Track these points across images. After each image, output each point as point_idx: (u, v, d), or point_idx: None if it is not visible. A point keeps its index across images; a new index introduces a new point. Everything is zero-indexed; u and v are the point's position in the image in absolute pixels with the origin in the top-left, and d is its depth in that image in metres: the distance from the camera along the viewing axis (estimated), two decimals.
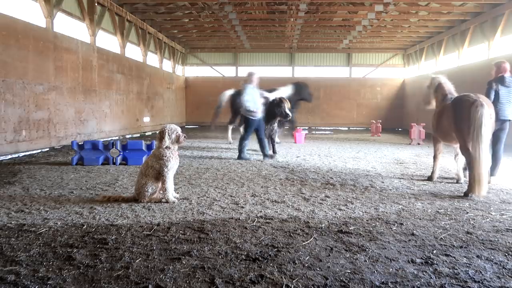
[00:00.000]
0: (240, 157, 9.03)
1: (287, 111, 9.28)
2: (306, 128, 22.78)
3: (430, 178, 6.65)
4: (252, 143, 13.22)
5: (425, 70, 22.16)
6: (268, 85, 24.16)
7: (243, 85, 8.75)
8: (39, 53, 10.04)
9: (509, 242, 3.51)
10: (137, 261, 2.99)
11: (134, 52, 17.67)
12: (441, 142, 6.55)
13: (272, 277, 2.74)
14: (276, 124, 9.88)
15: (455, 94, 6.30)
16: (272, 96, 11.20)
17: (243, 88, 8.81)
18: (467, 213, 4.55)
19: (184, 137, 4.94)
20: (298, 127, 14.84)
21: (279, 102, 9.40)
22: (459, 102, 5.67)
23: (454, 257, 3.15)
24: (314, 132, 21.95)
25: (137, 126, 17.06)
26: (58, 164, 7.99)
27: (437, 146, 6.60)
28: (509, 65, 6.65)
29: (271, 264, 2.96)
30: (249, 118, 8.75)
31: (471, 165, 5.40)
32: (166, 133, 4.80)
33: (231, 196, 5.30)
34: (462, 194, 5.52)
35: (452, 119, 5.73)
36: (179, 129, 4.95)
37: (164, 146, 4.80)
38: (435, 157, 6.61)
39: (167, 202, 4.79)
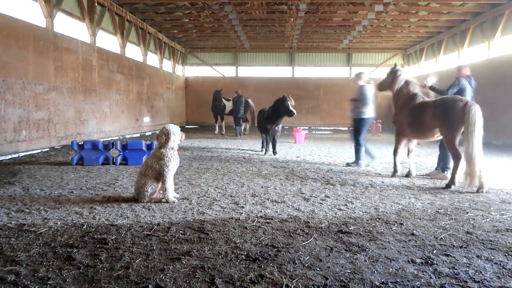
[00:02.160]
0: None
1: (291, 108, 9.25)
2: (306, 128, 22.79)
3: (393, 174, 6.93)
4: (251, 144, 13.22)
5: (425, 70, 22.17)
6: (268, 85, 24.22)
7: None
8: (39, 53, 10.04)
9: (509, 242, 3.51)
10: (137, 261, 2.99)
11: (134, 52, 17.68)
12: (405, 139, 6.86)
13: (272, 277, 2.74)
14: (280, 125, 9.84)
15: (421, 94, 6.65)
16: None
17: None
18: (467, 213, 4.55)
19: (183, 137, 5.02)
20: (298, 127, 14.90)
21: (283, 100, 9.36)
22: (451, 103, 5.95)
23: (454, 257, 3.15)
24: (314, 132, 21.95)
25: (137, 126, 17.06)
26: (58, 164, 7.99)
27: (401, 142, 6.89)
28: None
29: (271, 264, 2.96)
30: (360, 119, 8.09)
31: (458, 161, 5.86)
32: (171, 134, 4.82)
33: (231, 196, 5.30)
34: (444, 186, 5.97)
35: (441, 118, 5.99)
36: (179, 129, 5.02)
37: (170, 147, 4.81)
38: (395, 152, 6.93)
39: (167, 202, 4.79)
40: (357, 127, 8.14)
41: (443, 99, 6.20)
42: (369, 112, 8.05)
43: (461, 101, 5.85)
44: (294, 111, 9.24)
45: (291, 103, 9.26)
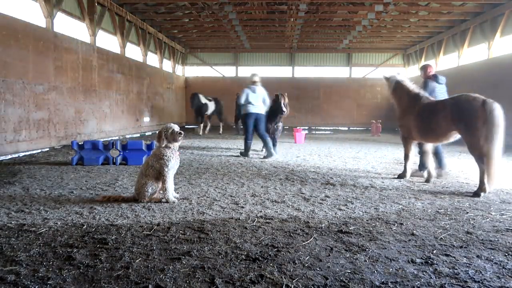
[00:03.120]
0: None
1: (283, 106, 9.42)
2: (306, 128, 22.79)
3: (401, 176, 6.72)
4: (253, 144, 13.22)
5: None
6: (268, 85, 24.12)
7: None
8: (39, 53, 10.04)
9: (509, 242, 3.51)
10: (137, 261, 2.99)
11: (134, 52, 17.68)
12: (413, 142, 6.61)
13: (272, 277, 2.74)
14: (280, 123, 9.92)
15: (425, 93, 6.41)
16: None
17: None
18: (467, 213, 4.54)
19: (179, 133, 4.84)
20: (297, 127, 14.95)
21: (276, 98, 9.57)
22: (466, 103, 5.58)
23: (454, 257, 3.15)
24: (314, 132, 21.95)
25: (137, 126, 17.06)
26: (58, 164, 7.99)
27: (410, 146, 6.63)
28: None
29: (271, 264, 2.96)
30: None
31: (484, 163, 5.43)
32: (163, 132, 4.83)
33: (231, 196, 5.30)
34: (472, 195, 5.49)
35: (460, 120, 5.60)
36: (176, 127, 4.92)
37: (163, 145, 4.82)
38: (406, 157, 6.68)
39: (167, 202, 4.79)
40: (244, 122, 9.51)
41: (456, 99, 5.80)
42: (253, 108, 9.27)
43: (476, 100, 5.49)
44: (284, 109, 9.49)
45: (283, 101, 9.45)
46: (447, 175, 6.87)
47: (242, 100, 9.29)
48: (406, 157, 6.69)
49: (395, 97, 6.72)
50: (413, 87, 6.52)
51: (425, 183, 6.37)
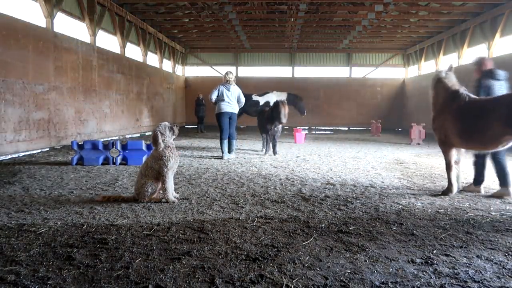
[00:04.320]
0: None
1: (282, 116, 9.42)
2: (306, 128, 22.78)
3: (445, 193, 5.51)
4: (251, 144, 13.22)
5: (425, 70, 22.16)
6: (268, 85, 24.22)
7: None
8: (39, 53, 10.04)
9: (509, 242, 3.51)
10: (137, 261, 2.99)
11: (134, 52, 17.68)
12: (454, 148, 5.49)
13: (272, 277, 2.74)
14: (280, 126, 9.97)
15: (465, 90, 5.40)
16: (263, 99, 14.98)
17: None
18: (467, 213, 4.54)
19: (176, 126, 4.98)
20: (298, 127, 14.97)
21: (276, 105, 9.65)
22: None
23: (454, 257, 3.15)
24: (314, 132, 21.94)
25: (137, 126, 17.06)
26: (58, 164, 7.98)
27: (451, 153, 5.48)
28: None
29: (271, 264, 2.96)
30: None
31: None
32: (159, 135, 4.78)
33: (231, 196, 5.30)
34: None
35: None
36: (167, 123, 4.97)
37: (161, 149, 4.78)
38: (448, 167, 5.50)
39: (167, 202, 4.79)
40: (218, 121, 9.12)
41: (509, 96, 4.96)
42: (221, 108, 9.02)
43: None
44: (283, 120, 9.49)
45: (283, 110, 9.46)
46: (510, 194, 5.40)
47: (214, 97, 8.98)
48: (448, 166, 5.51)
49: (433, 95, 5.70)
50: (454, 83, 5.49)
51: (425, 183, 6.33)
